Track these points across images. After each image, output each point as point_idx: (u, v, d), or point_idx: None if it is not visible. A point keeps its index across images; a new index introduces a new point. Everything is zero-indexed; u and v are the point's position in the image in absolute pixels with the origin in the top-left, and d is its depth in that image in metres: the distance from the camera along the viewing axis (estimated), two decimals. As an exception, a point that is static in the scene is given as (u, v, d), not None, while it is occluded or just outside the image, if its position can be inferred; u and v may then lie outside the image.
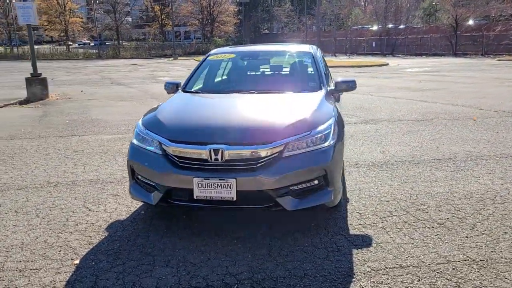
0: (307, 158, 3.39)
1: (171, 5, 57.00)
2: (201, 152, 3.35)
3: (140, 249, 3.30)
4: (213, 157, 3.31)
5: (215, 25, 74.57)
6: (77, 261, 3.11)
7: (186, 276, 2.90)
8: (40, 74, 13.41)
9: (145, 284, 2.81)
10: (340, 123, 3.90)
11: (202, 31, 77.45)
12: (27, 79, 13.30)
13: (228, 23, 73.62)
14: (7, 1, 59.21)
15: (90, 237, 3.52)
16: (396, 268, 2.99)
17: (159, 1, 75.80)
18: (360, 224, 3.71)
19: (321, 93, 4.36)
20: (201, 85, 4.88)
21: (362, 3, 72.52)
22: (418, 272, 2.94)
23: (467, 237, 3.45)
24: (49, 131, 8.14)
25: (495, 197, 4.30)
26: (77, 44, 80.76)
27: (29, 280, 2.87)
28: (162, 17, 73.04)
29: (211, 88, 4.88)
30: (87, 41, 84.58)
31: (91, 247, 3.34)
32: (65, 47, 62.54)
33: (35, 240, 3.47)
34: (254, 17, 67.47)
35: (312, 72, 4.82)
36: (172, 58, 50.39)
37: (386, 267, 3.00)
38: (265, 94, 4.42)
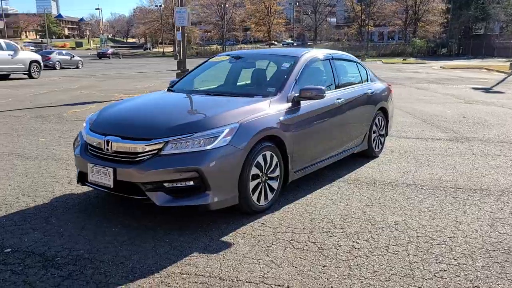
0: (182, 158, 3.60)
1: (370, 5, 56.56)
2: (99, 142, 3.90)
3: (48, 218, 4.02)
4: (105, 147, 3.83)
5: (419, 25, 70.91)
6: (-3, 218, 4.04)
7: (41, 243, 3.48)
8: (187, 70, 15.53)
9: (7, 243, 3.50)
10: (251, 129, 3.89)
11: (404, 32, 74.55)
12: (177, 74, 15.60)
13: (434, 22, 69.17)
14: (222, 5, 67.91)
15: (35, 201, 4.43)
16: (204, 276, 3.01)
17: (363, 1, 75.76)
18: (244, 233, 3.69)
19: (268, 99, 4.35)
20: (184, 85, 5.33)
21: None
22: (222, 284, 2.92)
23: (324, 266, 3.14)
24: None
25: (439, 237, 3.64)
26: (281, 44, 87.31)
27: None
28: (363, 17, 72.86)
29: (187, 87, 5.26)
30: (290, 41, 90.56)
31: (23, 209, 4.23)
32: (267, 46, 68.46)
33: (0, 198, 4.56)
34: (464, 16, 61.44)
35: (280, 78, 4.77)
36: (360, 60, 50.39)
37: (197, 274, 3.05)
38: (213, 96, 4.67)
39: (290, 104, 4.46)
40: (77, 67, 34.29)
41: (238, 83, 5.31)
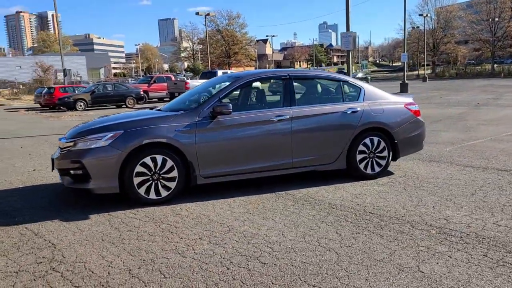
0: (76, 154, 5.18)
1: None
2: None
3: (20, 189, 6.17)
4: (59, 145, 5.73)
5: None
6: None
7: None
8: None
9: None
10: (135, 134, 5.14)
11: None
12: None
13: None
14: (492, 19, 62.25)
15: (27, 182, 6.67)
16: (27, 229, 4.47)
17: None
18: (110, 215, 4.90)
19: (176, 114, 5.50)
20: (170, 103, 6.73)
21: None
22: (32, 237, 4.33)
23: (102, 240, 4.17)
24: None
25: (290, 247, 4.00)
26: None
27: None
28: None
29: (168, 105, 6.57)
30: None
31: (12, 187, 6.49)
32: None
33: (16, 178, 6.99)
34: None
35: (210, 96, 5.74)
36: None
37: (27, 228, 4.50)
38: (157, 111, 6.03)
39: (200, 118, 5.39)
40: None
41: (186, 102, 6.48)
